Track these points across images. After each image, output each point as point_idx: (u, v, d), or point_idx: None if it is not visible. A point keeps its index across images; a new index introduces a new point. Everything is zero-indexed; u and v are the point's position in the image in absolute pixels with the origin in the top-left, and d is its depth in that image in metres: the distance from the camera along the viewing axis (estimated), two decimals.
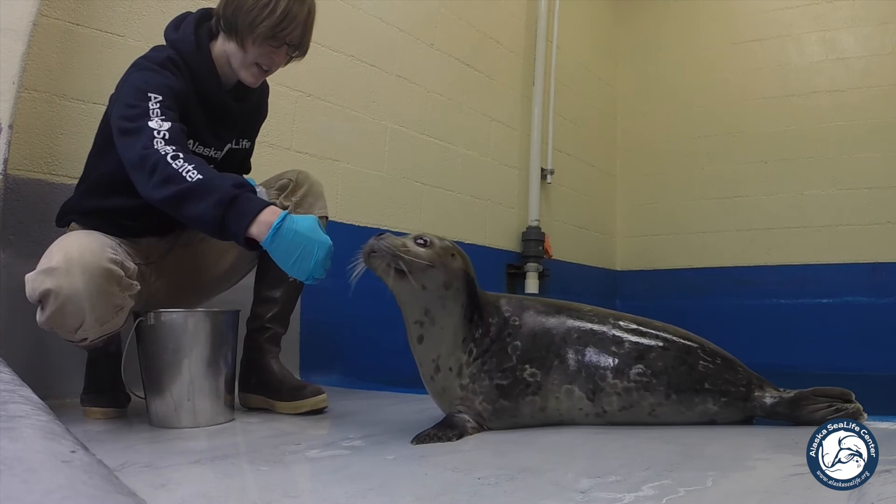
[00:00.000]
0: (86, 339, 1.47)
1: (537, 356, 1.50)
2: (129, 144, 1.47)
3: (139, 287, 1.50)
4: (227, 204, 1.39)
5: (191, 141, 1.68)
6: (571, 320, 1.56)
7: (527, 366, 1.49)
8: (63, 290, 1.37)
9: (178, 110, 1.56)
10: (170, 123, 1.47)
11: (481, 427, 1.49)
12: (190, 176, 1.40)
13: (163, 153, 1.42)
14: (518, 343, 1.51)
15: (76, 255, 1.38)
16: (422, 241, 1.46)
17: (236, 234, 1.41)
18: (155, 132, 1.45)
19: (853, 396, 1.46)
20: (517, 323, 1.53)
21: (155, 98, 1.51)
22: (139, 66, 1.62)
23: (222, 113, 1.75)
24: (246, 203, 1.41)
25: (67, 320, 1.41)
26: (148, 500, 0.62)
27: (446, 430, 1.43)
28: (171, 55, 1.64)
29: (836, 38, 4.46)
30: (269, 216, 1.41)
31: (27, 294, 1.40)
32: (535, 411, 1.51)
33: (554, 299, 1.70)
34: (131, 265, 1.49)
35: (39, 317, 1.41)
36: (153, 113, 1.48)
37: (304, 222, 1.43)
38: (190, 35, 1.67)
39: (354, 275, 1.39)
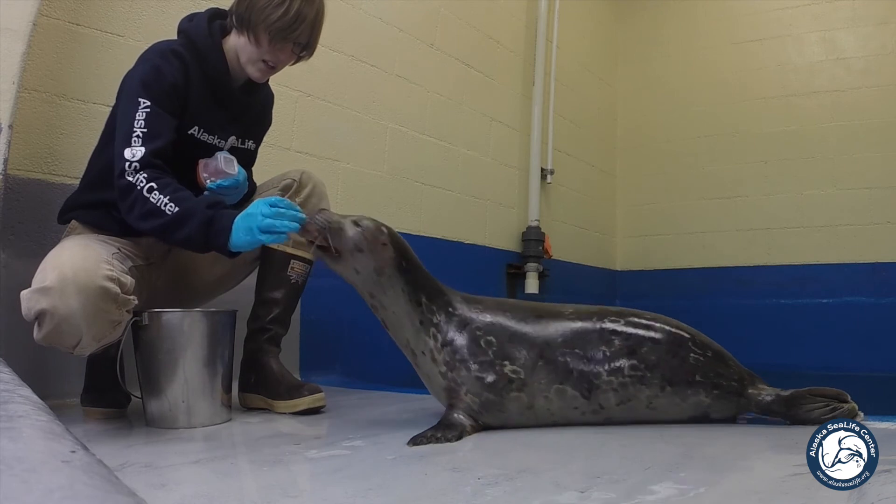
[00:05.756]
0: (83, 353, 1.47)
1: (517, 355, 1.50)
2: (116, 162, 1.56)
3: (136, 302, 1.49)
4: (206, 225, 1.51)
5: (195, 128, 1.72)
6: (555, 322, 1.56)
7: (506, 362, 1.50)
8: (59, 311, 1.35)
9: (170, 107, 1.62)
10: (143, 150, 1.54)
11: (478, 423, 1.49)
12: (169, 209, 1.50)
13: (139, 187, 1.51)
14: (492, 339, 1.52)
15: (70, 274, 1.36)
16: (357, 226, 1.49)
17: (220, 250, 1.53)
18: (126, 164, 1.53)
19: (849, 398, 1.47)
20: (488, 320, 1.55)
21: (143, 105, 1.58)
22: (143, 58, 1.68)
23: (229, 101, 1.78)
24: (220, 221, 1.51)
25: (64, 339, 1.40)
26: (148, 500, 0.62)
27: (445, 430, 1.43)
28: (179, 43, 1.71)
29: (836, 38, 4.46)
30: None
31: (23, 312, 1.38)
32: (522, 409, 1.51)
33: (534, 302, 1.70)
34: (128, 279, 1.46)
35: (36, 334, 1.39)
36: (136, 125, 1.56)
37: (244, 214, 1.52)
38: (203, 23, 1.74)
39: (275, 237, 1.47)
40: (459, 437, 1.42)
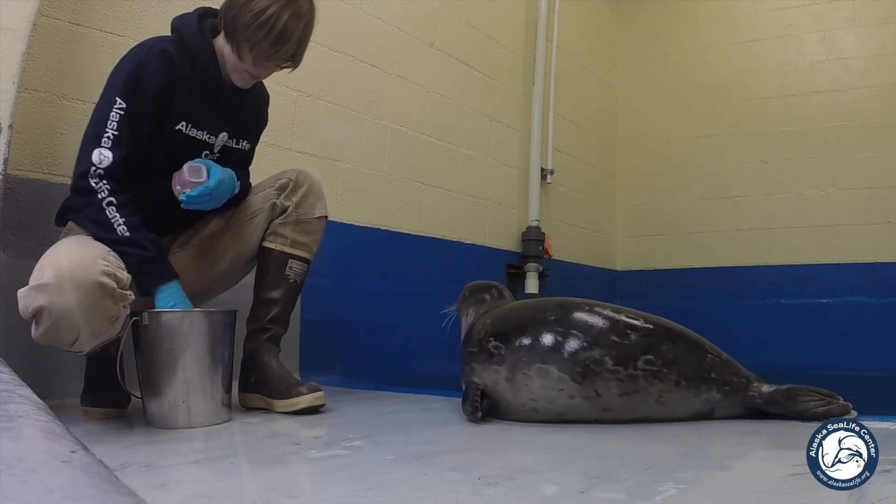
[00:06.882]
0: (82, 350, 1.47)
1: (503, 332, 1.63)
2: (80, 157, 1.59)
3: (133, 297, 1.49)
4: (149, 262, 1.59)
5: (183, 123, 1.71)
6: (558, 308, 1.63)
7: (491, 338, 1.64)
8: (56, 308, 1.35)
9: (148, 109, 1.62)
10: (111, 156, 1.57)
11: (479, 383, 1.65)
12: (120, 231, 1.56)
13: (100, 196, 1.56)
14: (488, 321, 1.71)
15: (67, 271, 1.36)
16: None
17: (144, 286, 1.59)
18: (92, 168, 1.56)
19: (840, 399, 1.53)
20: (495, 311, 1.76)
21: (118, 105, 1.59)
22: (130, 54, 1.68)
23: (221, 100, 1.78)
24: (161, 267, 1.61)
25: (62, 336, 1.40)
26: (148, 500, 0.62)
27: (465, 398, 1.63)
28: (170, 40, 1.70)
29: (836, 38, 4.45)
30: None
31: (20, 311, 1.38)
32: (499, 379, 1.60)
33: (569, 298, 1.74)
34: (124, 275, 1.47)
35: (34, 332, 1.39)
36: (109, 126, 1.58)
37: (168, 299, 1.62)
38: (193, 21, 1.73)
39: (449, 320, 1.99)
40: (479, 389, 1.60)
